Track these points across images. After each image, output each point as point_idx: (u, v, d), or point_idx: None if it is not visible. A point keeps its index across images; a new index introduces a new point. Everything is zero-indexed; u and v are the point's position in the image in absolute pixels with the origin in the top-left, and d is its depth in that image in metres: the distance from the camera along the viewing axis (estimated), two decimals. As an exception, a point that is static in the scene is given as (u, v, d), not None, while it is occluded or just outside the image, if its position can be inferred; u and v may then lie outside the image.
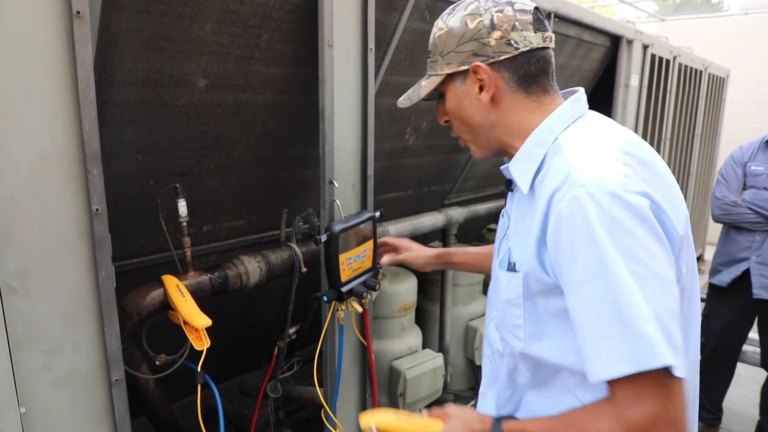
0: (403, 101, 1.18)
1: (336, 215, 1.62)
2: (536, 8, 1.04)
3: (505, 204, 1.18)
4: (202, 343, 1.32)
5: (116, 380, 1.21)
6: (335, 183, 1.59)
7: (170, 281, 1.42)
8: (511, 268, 1.04)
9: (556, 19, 2.60)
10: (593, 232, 0.84)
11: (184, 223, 1.48)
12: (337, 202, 1.61)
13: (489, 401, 1.22)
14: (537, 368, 1.05)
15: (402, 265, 1.65)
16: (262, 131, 1.81)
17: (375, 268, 1.68)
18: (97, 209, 1.13)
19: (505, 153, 1.11)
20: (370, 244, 1.63)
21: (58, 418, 1.15)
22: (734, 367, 3.10)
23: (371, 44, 1.65)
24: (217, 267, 1.55)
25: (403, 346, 2.28)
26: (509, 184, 1.14)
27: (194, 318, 1.32)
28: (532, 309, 1.01)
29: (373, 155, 1.74)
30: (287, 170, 2.00)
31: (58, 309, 1.12)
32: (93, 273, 1.16)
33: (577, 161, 0.91)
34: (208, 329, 2.34)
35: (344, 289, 1.55)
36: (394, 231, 2.06)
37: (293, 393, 2.03)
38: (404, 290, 2.27)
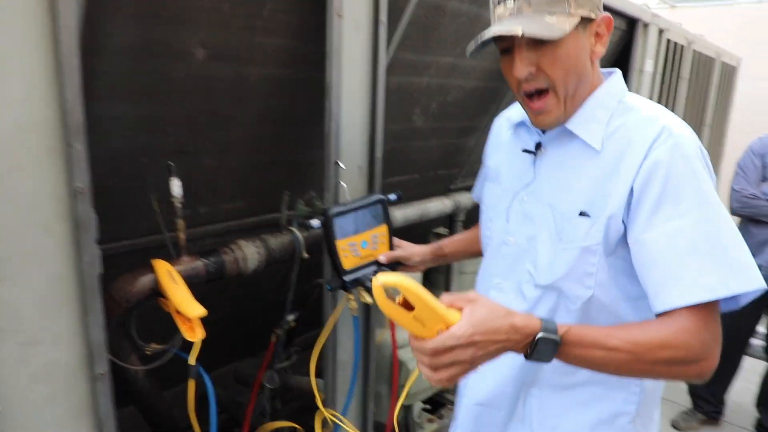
0: (541, 32, 0.96)
1: (342, 198, 1.52)
2: None
3: (533, 163, 1.18)
4: (194, 334, 1.23)
5: (100, 374, 1.11)
6: (341, 164, 1.48)
7: (161, 266, 1.32)
8: (584, 215, 1.05)
9: None
10: (697, 172, 0.96)
11: (178, 205, 1.38)
12: (343, 184, 1.50)
13: (488, 375, 1.19)
14: (587, 320, 1.07)
15: (394, 266, 1.54)
16: (264, 108, 1.70)
17: None
18: (79, 187, 1.02)
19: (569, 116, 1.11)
20: (382, 229, 1.52)
21: (35, 415, 1.06)
22: (740, 360, 3.03)
23: (383, 17, 1.53)
24: (213, 252, 1.45)
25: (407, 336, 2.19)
26: (538, 147, 1.17)
27: (187, 307, 1.22)
28: (605, 257, 1.04)
29: (382, 136, 1.63)
30: (290, 150, 1.88)
31: (35, 297, 1.01)
32: (75, 257, 1.06)
33: (665, 117, 1.02)
34: (212, 307, 2.26)
35: (348, 278, 1.45)
36: (400, 216, 1.96)
37: (291, 383, 1.94)
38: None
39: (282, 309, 1.87)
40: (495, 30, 1.01)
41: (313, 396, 1.71)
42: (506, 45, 1.06)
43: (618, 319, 1.06)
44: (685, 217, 0.94)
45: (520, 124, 1.25)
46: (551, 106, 1.07)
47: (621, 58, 3.19)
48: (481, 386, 1.21)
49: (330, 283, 1.47)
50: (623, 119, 1.06)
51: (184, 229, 1.40)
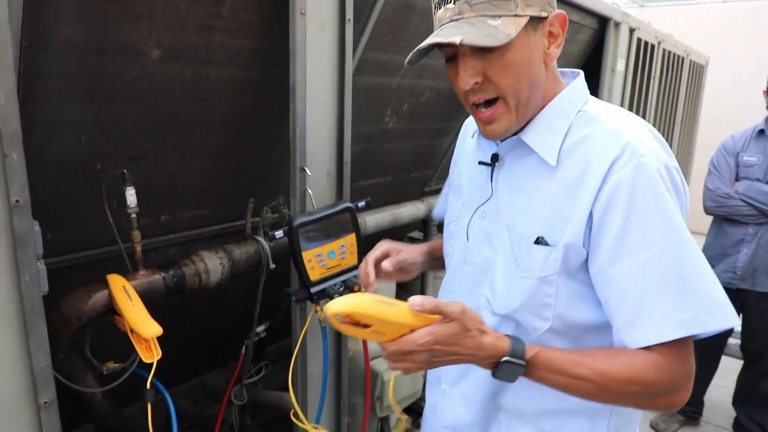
0: (476, 39, 0.86)
1: (308, 206, 1.45)
2: None
3: (491, 178, 1.07)
4: (151, 354, 1.15)
5: (45, 403, 1.02)
6: (307, 170, 1.41)
7: (116, 281, 1.23)
8: (543, 243, 0.95)
9: (546, -3, 2.44)
10: (662, 198, 0.87)
11: (134, 215, 1.30)
12: (309, 191, 1.43)
13: (456, 400, 1.12)
14: (557, 344, 0.99)
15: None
16: (227, 111, 1.62)
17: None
18: (17, 201, 0.94)
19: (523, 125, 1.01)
20: (350, 238, 1.46)
21: (-27, 448, 0.97)
22: (718, 361, 3.04)
23: (350, 14, 1.46)
24: (173, 264, 1.37)
25: (381, 345, 2.13)
26: (495, 158, 1.06)
27: (142, 326, 1.14)
28: (564, 285, 0.96)
29: (350, 139, 1.56)
30: (255, 155, 1.81)
31: (-31, 320, 0.93)
32: (14, 276, 0.97)
33: (630, 132, 0.92)
34: (169, 325, 2.16)
35: (314, 289, 1.39)
36: (371, 222, 1.90)
37: (260, 398, 1.86)
38: (382, 286, 2.11)
39: (251, 322, 1.79)
40: (431, 40, 0.91)
41: (282, 410, 1.64)
42: (450, 52, 0.95)
43: (580, 346, 0.98)
44: (652, 248, 0.87)
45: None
46: (500, 114, 0.95)
47: (593, 57, 3.18)
48: (450, 410, 1.14)
49: (296, 295, 1.40)
50: (585, 131, 0.95)
51: (140, 240, 1.32)
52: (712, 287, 0.88)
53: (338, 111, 1.52)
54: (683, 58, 4.66)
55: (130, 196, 1.25)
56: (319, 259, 1.39)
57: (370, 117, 2.17)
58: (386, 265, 1.20)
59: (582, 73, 1.04)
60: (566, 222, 0.93)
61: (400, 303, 0.90)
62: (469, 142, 1.19)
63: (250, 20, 1.46)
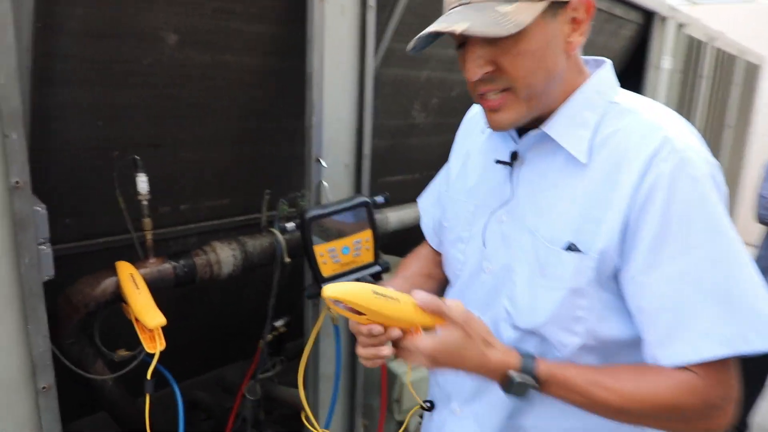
0: (488, 29, 0.78)
1: (324, 199, 1.40)
2: None
3: (510, 179, 0.97)
4: (154, 345, 1.12)
5: (43, 388, 1.01)
6: (323, 161, 1.36)
7: (124, 269, 1.22)
8: (573, 248, 0.86)
9: (586, -12, 2.32)
10: (707, 197, 0.79)
11: (145, 202, 1.28)
12: (325, 183, 1.39)
13: (468, 420, 1.03)
14: (584, 360, 0.89)
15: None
16: (247, 99, 1.59)
17: (377, 264, 1.44)
18: (17, 182, 0.92)
19: (539, 119, 0.91)
20: (366, 234, 1.39)
21: (-30, 431, 0.96)
22: (765, 378, 2.86)
23: (371, 1, 1.41)
24: (184, 254, 1.34)
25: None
26: (515, 156, 0.96)
27: (146, 315, 1.11)
28: (597, 297, 0.86)
29: (371, 131, 1.51)
30: (276, 146, 1.77)
31: (-33, 301, 0.92)
32: (14, 259, 0.95)
33: (670, 125, 0.84)
34: (190, 315, 2.16)
35: (326, 285, 1.33)
36: (395, 219, 1.84)
37: (275, 394, 1.83)
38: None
39: (273, 312, 1.76)
40: (432, 27, 0.83)
41: (296, 407, 1.60)
42: (460, 38, 0.86)
43: (610, 361, 0.90)
44: (692, 253, 0.78)
45: None
46: (509, 104, 0.86)
47: (637, 53, 3.04)
48: (461, 431, 1.05)
49: (307, 290, 1.36)
50: (618, 124, 0.86)
51: (151, 228, 1.29)
52: (762, 302, 0.78)
53: (358, 101, 1.47)
54: (736, 58, 4.43)
55: (142, 182, 1.23)
56: (332, 255, 1.34)
57: (396, 110, 2.11)
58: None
59: (610, 62, 0.96)
60: (599, 225, 0.84)
61: (403, 297, 0.85)
62: (478, 138, 1.09)
63: (270, 6, 1.42)
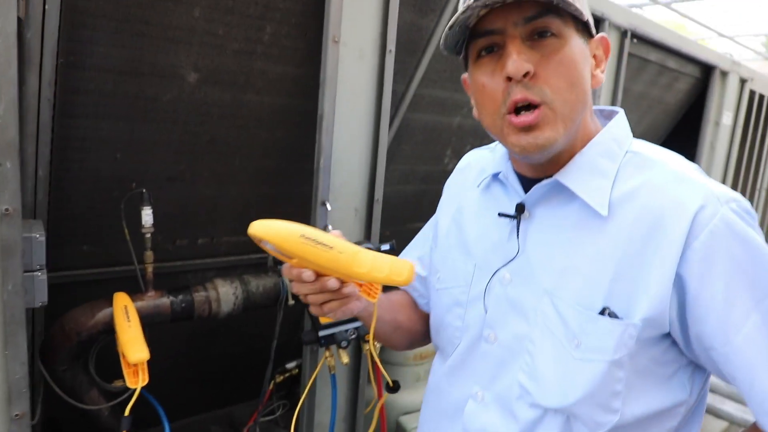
0: None
1: (328, 243, 1.37)
2: None
3: (517, 234, 0.87)
4: (136, 380, 1.10)
5: (16, 415, 1.00)
6: (328, 205, 1.34)
7: (120, 300, 1.22)
8: (608, 313, 0.76)
9: (634, 40, 2.24)
10: (758, 243, 0.75)
11: (148, 235, 1.29)
12: (330, 227, 1.36)
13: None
14: None
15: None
16: (268, 138, 1.60)
17: None
18: (6, 209, 0.94)
19: (552, 162, 0.82)
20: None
21: (-58, 454, 0.96)
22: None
23: (391, 45, 1.40)
24: (183, 289, 1.34)
25: (416, 400, 1.97)
26: (521, 209, 0.85)
27: (130, 349, 1.10)
28: (631, 366, 0.77)
29: (383, 177, 1.48)
30: (296, 185, 1.77)
31: (-52, 324, 0.93)
32: (-1, 285, 0.96)
33: (701, 176, 0.79)
34: (208, 349, 2.15)
35: (323, 333, 1.29)
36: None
37: (277, 439, 1.78)
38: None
39: (276, 359, 1.73)
40: None
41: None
42: (489, 42, 0.77)
43: None
44: (763, 302, 0.73)
45: (495, 178, 0.93)
46: (546, 120, 0.76)
47: (694, 108, 2.89)
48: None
49: (304, 336, 1.31)
50: (642, 176, 0.79)
51: (152, 261, 1.30)
52: None
53: (372, 146, 1.45)
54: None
55: (146, 215, 1.24)
56: (332, 301, 1.30)
57: (428, 156, 2.08)
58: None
59: (622, 110, 0.89)
60: (636, 288, 0.75)
61: (341, 245, 0.75)
62: (471, 192, 0.98)
63: (293, 47, 1.44)
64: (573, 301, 0.78)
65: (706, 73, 2.76)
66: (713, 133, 2.85)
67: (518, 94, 0.74)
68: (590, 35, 0.81)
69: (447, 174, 2.36)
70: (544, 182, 0.81)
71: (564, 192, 0.81)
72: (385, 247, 1.36)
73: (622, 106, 2.35)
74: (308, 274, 0.76)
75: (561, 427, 0.80)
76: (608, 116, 0.88)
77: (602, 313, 0.76)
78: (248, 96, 1.48)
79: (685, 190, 0.75)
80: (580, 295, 0.78)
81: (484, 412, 0.87)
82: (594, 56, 0.81)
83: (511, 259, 0.86)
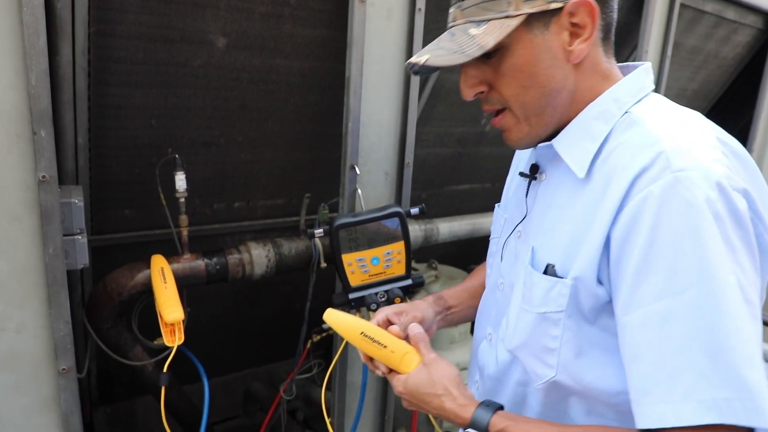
0: (448, 57, 0.77)
1: (357, 207, 1.37)
2: None
3: (526, 194, 0.91)
4: (173, 338, 1.15)
5: (63, 369, 1.07)
6: (357, 168, 1.33)
7: (157, 262, 1.27)
8: (551, 272, 0.79)
9: (688, -11, 2.10)
10: (702, 229, 0.65)
11: (182, 200, 1.32)
12: (359, 191, 1.36)
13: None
14: (559, 403, 0.83)
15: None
16: (299, 103, 1.60)
17: (408, 277, 1.39)
18: (43, 176, 0.98)
19: (555, 135, 0.84)
20: (398, 246, 1.35)
21: (1, 402, 1.04)
22: None
23: (420, 3, 1.36)
24: (218, 252, 1.37)
25: (451, 361, 1.98)
26: (535, 170, 0.89)
27: (166, 309, 1.15)
28: (576, 329, 0.77)
29: (414, 139, 1.45)
30: (332, 150, 1.77)
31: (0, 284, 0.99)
32: (40, 249, 1.02)
33: (670, 138, 0.70)
34: (249, 309, 2.22)
35: (353, 295, 1.31)
36: (446, 230, 1.77)
37: (313, 396, 1.84)
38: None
39: (309, 321, 1.77)
40: (410, 60, 0.82)
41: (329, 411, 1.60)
42: None
43: (599, 420, 0.78)
44: (679, 296, 0.65)
45: None
46: (510, 125, 0.83)
47: (754, 62, 2.70)
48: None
49: (335, 299, 1.34)
50: (621, 137, 0.76)
51: (187, 225, 1.34)
52: (751, 368, 0.63)
53: (402, 108, 1.42)
54: None
55: (180, 180, 1.27)
56: (361, 264, 1.31)
57: (463, 118, 2.04)
58: (395, 330, 0.96)
59: (647, 64, 0.84)
60: (579, 249, 0.75)
61: (393, 344, 0.89)
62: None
63: (321, 9, 1.41)
64: (539, 255, 0.82)
65: (769, 23, 2.56)
66: (775, 88, 2.67)
67: (483, 105, 0.84)
68: (556, 10, 0.75)
69: (484, 137, 2.31)
70: (542, 145, 0.85)
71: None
72: (415, 210, 1.36)
73: (672, 62, 2.23)
74: (365, 357, 0.94)
75: (522, 373, 0.87)
76: (630, 71, 0.84)
77: (546, 268, 0.80)
78: (277, 60, 1.48)
79: (643, 151, 0.70)
80: (544, 253, 0.81)
81: (488, 351, 0.96)
82: (573, 25, 0.76)
83: (523, 218, 0.91)
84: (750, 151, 2.71)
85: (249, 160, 1.67)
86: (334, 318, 0.92)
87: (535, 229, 0.87)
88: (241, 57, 1.41)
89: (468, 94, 0.81)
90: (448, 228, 1.78)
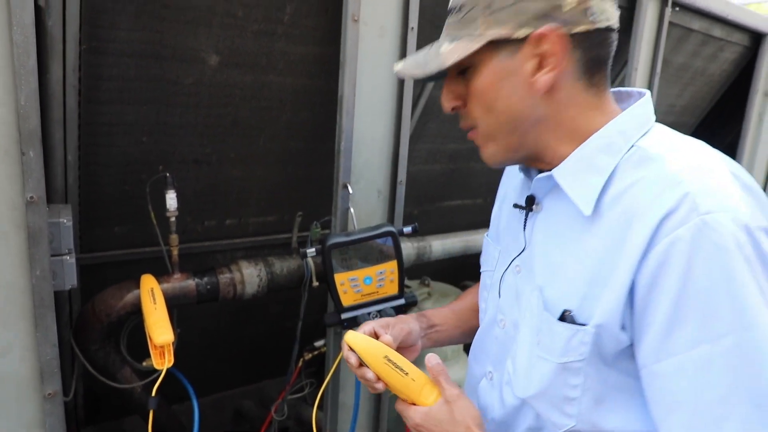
0: (411, 70, 0.82)
1: (350, 226, 1.36)
2: None
3: (524, 226, 0.89)
4: (162, 361, 1.13)
5: (49, 394, 1.04)
6: (349, 187, 1.33)
7: (147, 283, 1.25)
8: (569, 319, 0.76)
9: (676, 8, 2.13)
10: (735, 274, 0.63)
11: (173, 219, 1.30)
12: (352, 210, 1.35)
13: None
14: None
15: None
16: (292, 120, 1.59)
17: (401, 297, 1.38)
18: (31, 197, 0.96)
19: (534, 161, 0.84)
20: (391, 265, 1.34)
21: (-19, 427, 1.02)
22: None
23: (413, 23, 1.36)
24: (209, 271, 1.36)
25: (443, 379, 1.97)
26: (531, 201, 0.86)
27: (156, 331, 1.13)
28: (596, 375, 0.75)
29: (407, 157, 1.45)
30: (324, 166, 1.76)
31: (-16, 305, 0.97)
32: (27, 270, 1.00)
33: (692, 177, 0.68)
34: (239, 326, 2.20)
35: (346, 315, 1.29)
36: (438, 247, 1.76)
37: (305, 416, 1.81)
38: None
39: (302, 339, 1.75)
40: (405, 63, 0.87)
41: (321, 433, 1.57)
42: None
43: None
44: (716, 343, 0.63)
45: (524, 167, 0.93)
46: (480, 141, 0.84)
47: (741, 78, 2.74)
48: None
49: (327, 318, 1.32)
50: (637, 174, 0.73)
51: (177, 244, 1.32)
52: None
53: (395, 126, 1.42)
54: None
55: (170, 199, 1.26)
56: (354, 284, 1.30)
57: (455, 134, 2.04)
58: (387, 339, 0.96)
59: (648, 93, 0.83)
60: (601, 295, 0.72)
61: (414, 373, 0.88)
62: (516, 177, 0.99)
63: (314, 27, 1.41)
64: (549, 298, 0.79)
65: (755, 41, 2.60)
66: (762, 104, 2.70)
67: (460, 121, 0.86)
68: (520, 39, 0.74)
69: (475, 152, 2.32)
70: (541, 176, 0.82)
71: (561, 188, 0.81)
72: (408, 229, 1.35)
73: (661, 79, 2.25)
74: (380, 386, 0.90)
75: (533, 420, 0.83)
76: (626, 99, 0.84)
77: (562, 317, 0.76)
78: (270, 77, 1.47)
79: (666, 191, 0.68)
80: (555, 294, 0.78)
81: (490, 391, 0.92)
82: (539, 55, 0.74)
83: (521, 251, 0.88)
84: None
85: (241, 176, 1.66)
86: (356, 340, 0.90)
87: (539, 266, 0.83)
88: (233, 74, 1.41)
89: (446, 107, 0.84)
90: (441, 246, 1.77)
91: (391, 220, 1.49)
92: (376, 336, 0.96)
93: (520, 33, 0.73)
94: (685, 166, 0.70)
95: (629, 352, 0.72)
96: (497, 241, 1.00)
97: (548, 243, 0.83)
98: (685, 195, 0.66)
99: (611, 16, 0.76)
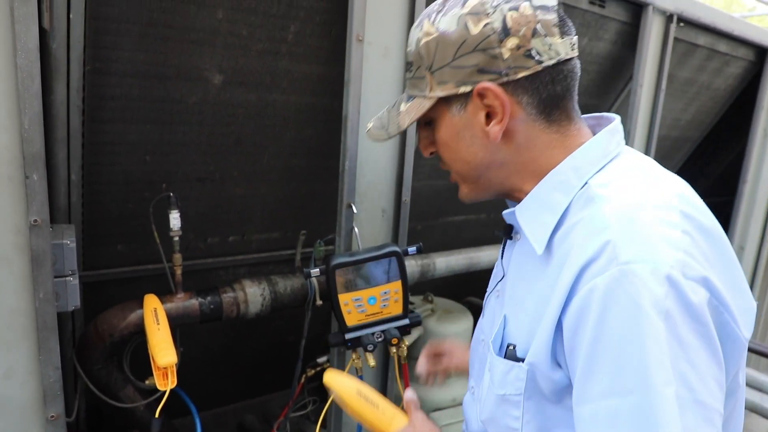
0: (377, 132, 0.88)
1: (354, 246, 1.36)
2: (559, 3, 0.76)
3: (502, 254, 0.92)
4: (165, 383, 1.12)
5: (51, 416, 1.04)
6: (354, 207, 1.32)
7: (150, 303, 1.24)
8: (510, 354, 0.78)
9: (681, 24, 2.12)
10: (647, 330, 0.61)
11: (176, 238, 1.30)
12: (356, 230, 1.34)
13: None
14: None
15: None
16: (295, 137, 1.59)
17: (406, 317, 1.37)
18: (35, 220, 0.96)
19: (509, 196, 0.85)
20: (396, 285, 1.33)
21: (-16, 452, 1.01)
22: None
23: (417, 43, 1.35)
24: (212, 290, 1.35)
25: (446, 397, 1.96)
26: (510, 231, 0.88)
27: (159, 352, 1.12)
28: (536, 410, 0.76)
29: (411, 177, 1.45)
30: (326, 183, 1.76)
31: (-13, 329, 0.97)
32: (31, 293, 0.99)
33: (621, 224, 0.67)
34: (242, 341, 2.19)
35: (350, 335, 1.29)
36: (443, 264, 1.75)
37: (307, 434, 1.80)
38: (455, 331, 1.94)
39: (305, 356, 1.74)
40: (371, 125, 0.92)
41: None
42: None
43: None
44: (626, 398, 0.62)
45: None
46: (457, 183, 0.88)
47: (746, 93, 2.73)
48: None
49: (330, 338, 1.31)
50: (581, 214, 0.73)
51: (181, 263, 1.32)
52: None
53: (399, 145, 1.42)
54: None
55: (174, 219, 1.25)
56: (358, 305, 1.29)
57: (459, 150, 2.04)
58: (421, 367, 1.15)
59: (613, 123, 0.80)
60: (538, 331, 0.73)
61: (382, 404, 0.95)
62: None
63: (318, 46, 1.42)
64: (509, 328, 0.81)
65: (761, 55, 2.59)
66: (767, 119, 2.69)
67: (440, 163, 0.89)
68: (464, 94, 0.77)
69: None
70: (507, 211, 0.84)
71: None
72: (412, 250, 1.35)
73: (666, 94, 2.24)
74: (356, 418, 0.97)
75: None
76: (605, 125, 0.81)
77: (505, 353, 0.79)
78: (274, 96, 1.47)
79: (593, 237, 0.67)
80: (512, 327, 0.80)
81: (471, 405, 0.95)
82: (487, 108, 0.75)
83: (501, 277, 0.91)
84: (742, 181, 2.72)
85: (244, 194, 1.66)
86: (332, 377, 0.98)
87: (508, 296, 0.85)
88: (237, 93, 1.41)
89: (424, 153, 0.88)
90: (445, 263, 1.77)
91: (395, 239, 1.49)
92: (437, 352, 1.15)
93: (462, 90, 0.76)
94: (617, 211, 0.69)
95: (570, 390, 0.71)
96: (498, 267, 1.00)
97: (517, 274, 0.85)
98: (606, 243, 0.65)
99: (561, 50, 0.74)
